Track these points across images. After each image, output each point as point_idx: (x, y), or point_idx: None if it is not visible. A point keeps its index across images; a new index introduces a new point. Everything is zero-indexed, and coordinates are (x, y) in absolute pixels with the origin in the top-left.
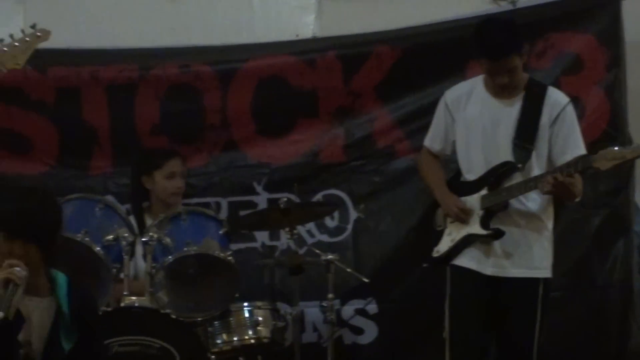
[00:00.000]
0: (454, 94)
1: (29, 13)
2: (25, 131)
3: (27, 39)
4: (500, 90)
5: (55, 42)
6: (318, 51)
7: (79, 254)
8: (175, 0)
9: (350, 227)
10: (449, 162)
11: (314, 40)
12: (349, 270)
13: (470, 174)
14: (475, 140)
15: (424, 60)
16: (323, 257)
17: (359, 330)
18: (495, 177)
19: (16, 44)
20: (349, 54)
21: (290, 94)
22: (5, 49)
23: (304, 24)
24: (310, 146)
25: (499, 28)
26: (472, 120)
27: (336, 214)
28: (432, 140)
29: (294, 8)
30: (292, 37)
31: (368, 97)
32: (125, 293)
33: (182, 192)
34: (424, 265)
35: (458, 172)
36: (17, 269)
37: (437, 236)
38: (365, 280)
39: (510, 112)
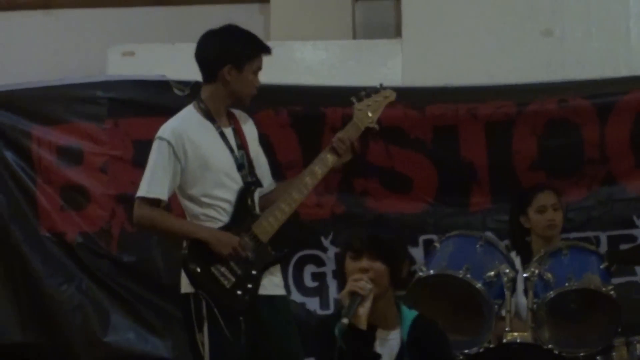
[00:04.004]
0: None
1: (406, 51)
2: (405, 170)
3: (377, 99)
4: None
5: (433, 79)
6: None
7: (461, 291)
8: (551, 35)
9: None
10: None
11: None
12: None
13: None
14: None
15: None
16: None
17: None
18: None
19: (368, 104)
20: None
21: None
22: (360, 108)
23: None
24: None
25: None
26: None
27: None
28: None
29: None
30: None
31: None
32: (507, 329)
33: (559, 225)
34: None
35: None
36: (362, 282)
37: None
38: None
39: None
